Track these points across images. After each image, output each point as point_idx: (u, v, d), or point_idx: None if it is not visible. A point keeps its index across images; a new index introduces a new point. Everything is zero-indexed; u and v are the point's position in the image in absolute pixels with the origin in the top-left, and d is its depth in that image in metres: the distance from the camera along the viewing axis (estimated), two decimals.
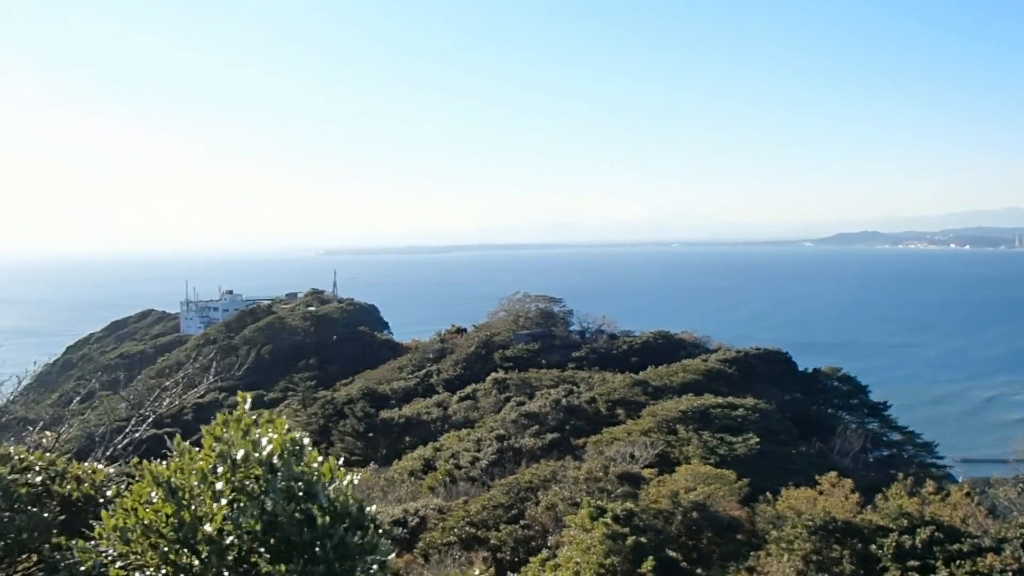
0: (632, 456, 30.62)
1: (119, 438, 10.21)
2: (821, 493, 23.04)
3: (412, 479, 35.44)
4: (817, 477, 24.64)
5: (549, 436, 38.46)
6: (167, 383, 11.68)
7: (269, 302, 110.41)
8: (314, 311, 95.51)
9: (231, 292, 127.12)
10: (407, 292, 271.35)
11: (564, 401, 43.31)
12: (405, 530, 25.05)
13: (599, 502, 20.52)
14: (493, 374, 53.58)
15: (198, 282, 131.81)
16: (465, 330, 72.29)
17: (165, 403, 11.17)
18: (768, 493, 24.48)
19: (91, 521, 6.59)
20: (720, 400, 39.53)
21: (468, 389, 52.54)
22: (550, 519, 23.46)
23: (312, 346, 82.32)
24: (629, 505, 20.39)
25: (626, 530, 18.62)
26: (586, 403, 44.25)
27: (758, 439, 34.16)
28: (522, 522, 24.05)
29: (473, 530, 23.98)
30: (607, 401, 44.57)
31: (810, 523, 18.42)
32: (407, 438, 46.72)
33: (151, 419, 10.68)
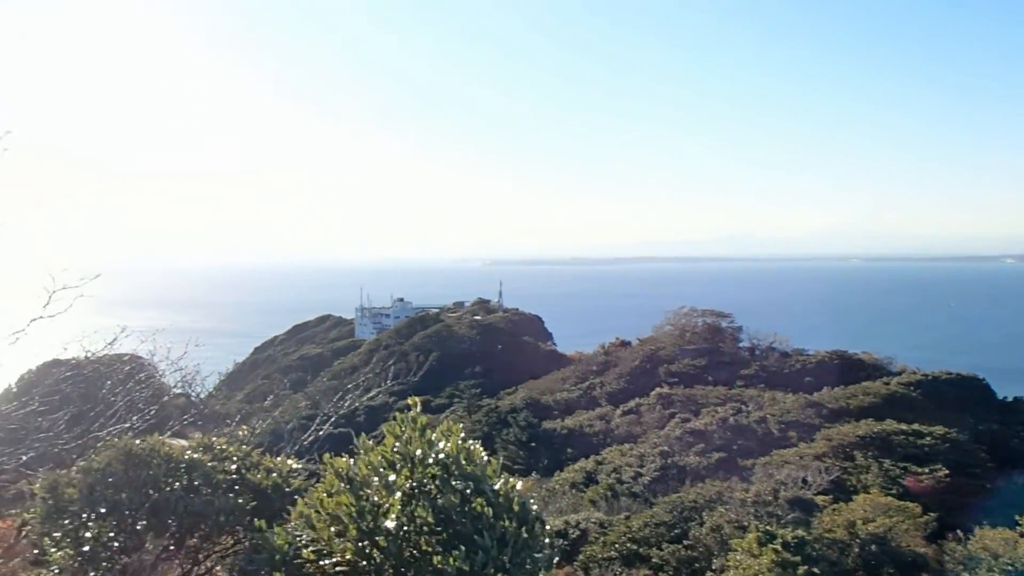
0: (804, 481, 29.39)
1: (305, 435, 10.73)
2: (1022, 535, 21.22)
3: (573, 491, 35.38)
4: (1017, 517, 22.71)
5: (715, 455, 37.59)
6: (349, 385, 12.21)
7: (437, 310, 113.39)
8: (480, 320, 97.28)
9: (402, 300, 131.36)
10: (572, 304, 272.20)
11: (732, 420, 42.25)
12: (566, 542, 24.99)
13: (768, 527, 19.78)
14: (657, 389, 52.94)
15: (372, 290, 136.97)
16: (629, 343, 71.72)
17: (345, 404, 11.68)
18: (959, 531, 22.77)
19: (285, 508, 6.93)
20: (904, 427, 37.28)
21: (631, 403, 52.10)
22: (715, 541, 22.80)
23: (477, 354, 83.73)
24: (801, 532, 19.55)
25: (797, 559, 17.84)
26: (755, 423, 42.93)
27: (947, 471, 32.01)
28: (685, 542, 23.50)
29: (635, 547, 23.63)
30: (778, 422, 43.06)
31: (1009, 567, 17.04)
32: (569, 449, 46.78)
33: (333, 419, 11.17)
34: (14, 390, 10.45)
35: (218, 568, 8.83)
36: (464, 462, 5.54)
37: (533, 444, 48.65)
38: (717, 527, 23.25)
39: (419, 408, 6.07)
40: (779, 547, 18.16)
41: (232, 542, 8.50)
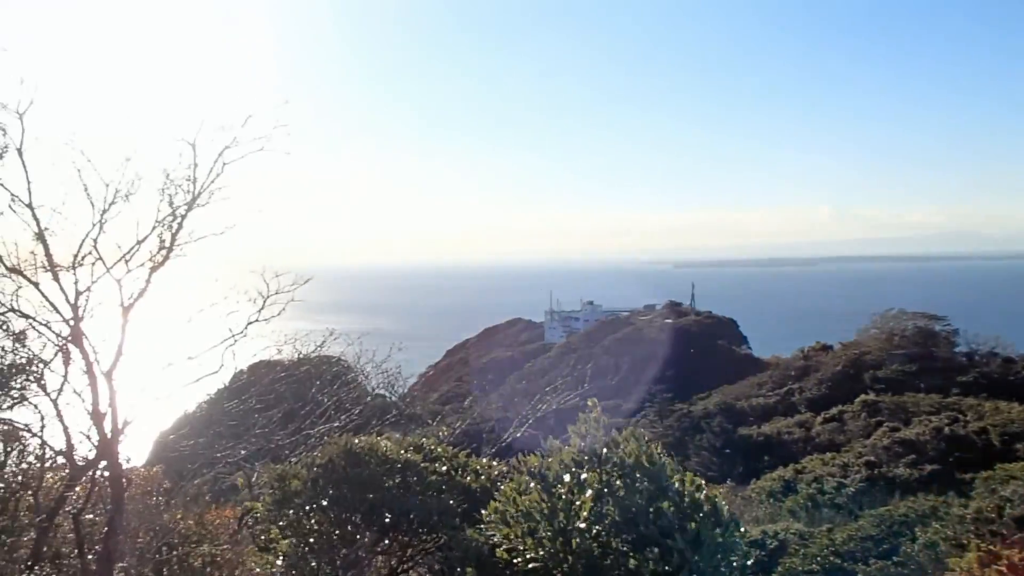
0: None
1: (504, 436, 11.08)
2: None
3: (770, 500, 34.33)
4: None
5: (928, 467, 35.50)
6: (546, 388, 12.48)
7: (627, 313, 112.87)
8: (671, 323, 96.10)
9: (591, 303, 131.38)
10: (767, 307, 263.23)
11: (947, 430, 39.74)
12: (763, 552, 24.32)
13: (991, 547, 18.45)
14: (863, 396, 50.59)
15: (561, 293, 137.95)
16: (831, 347, 68.77)
17: (542, 407, 11.93)
18: None
19: (483, 510, 7.20)
20: None
21: (834, 410, 50.13)
22: (929, 560, 21.48)
23: (669, 358, 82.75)
24: None
25: None
26: (974, 434, 40.15)
27: None
28: (895, 559, 22.26)
29: (838, 560, 22.65)
30: (1001, 433, 40.05)
31: None
32: (765, 457, 45.52)
33: (530, 421, 11.45)
34: (225, 389, 11.37)
35: (421, 565, 9.20)
36: (647, 463, 5.61)
37: (727, 451, 47.65)
38: (931, 544, 21.88)
39: (599, 409, 6.16)
40: (1004, 569, 16.93)
41: (439, 539, 8.81)
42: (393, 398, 15.95)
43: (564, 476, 5.80)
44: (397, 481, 8.39)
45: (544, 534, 5.65)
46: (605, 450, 5.73)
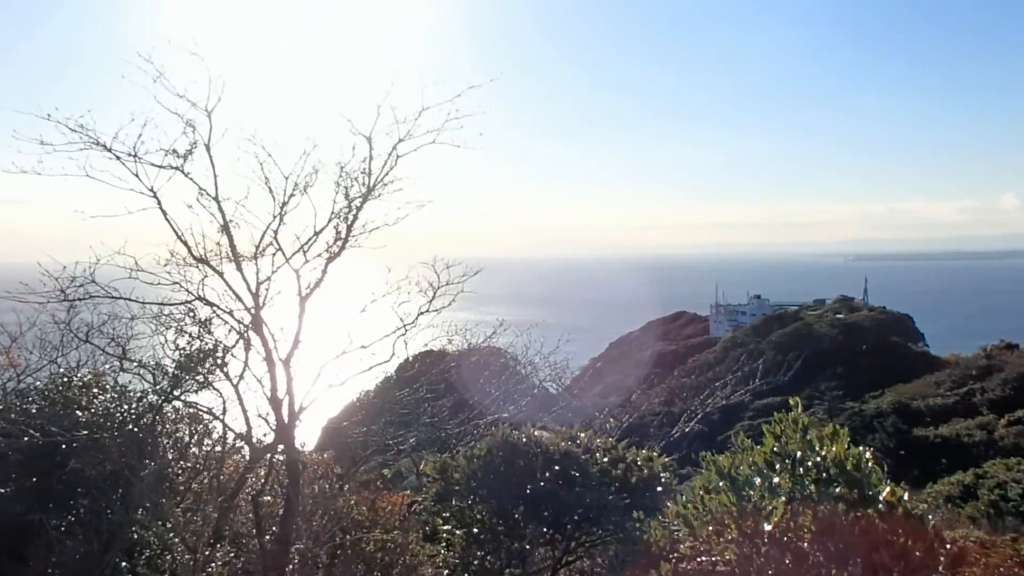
0: None
1: (673, 430, 10.69)
2: None
3: (948, 506, 32.06)
4: None
5: None
6: (716, 384, 12.02)
7: (796, 308, 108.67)
8: (842, 319, 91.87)
9: (758, 297, 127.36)
10: (946, 302, 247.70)
11: None
12: None
13: None
14: None
15: (727, 286, 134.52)
16: (1016, 346, 63.76)
17: (710, 402, 11.49)
18: None
19: (655, 503, 6.83)
20: None
21: (1019, 412, 46.44)
22: None
23: (839, 355, 79.08)
24: None
25: None
26: None
27: None
28: None
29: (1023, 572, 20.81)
30: None
31: None
32: (943, 460, 42.66)
33: (700, 415, 11.05)
34: (394, 379, 11.43)
35: (585, 558, 8.90)
36: (850, 468, 5.17)
37: (902, 452, 44.96)
38: None
39: (800, 408, 5.76)
40: None
41: (601, 533, 8.52)
42: (559, 390, 15.71)
43: (755, 479, 5.38)
44: (556, 472, 8.15)
45: (731, 537, 5.28)
46: (799, 453, 5.31)
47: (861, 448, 5.35)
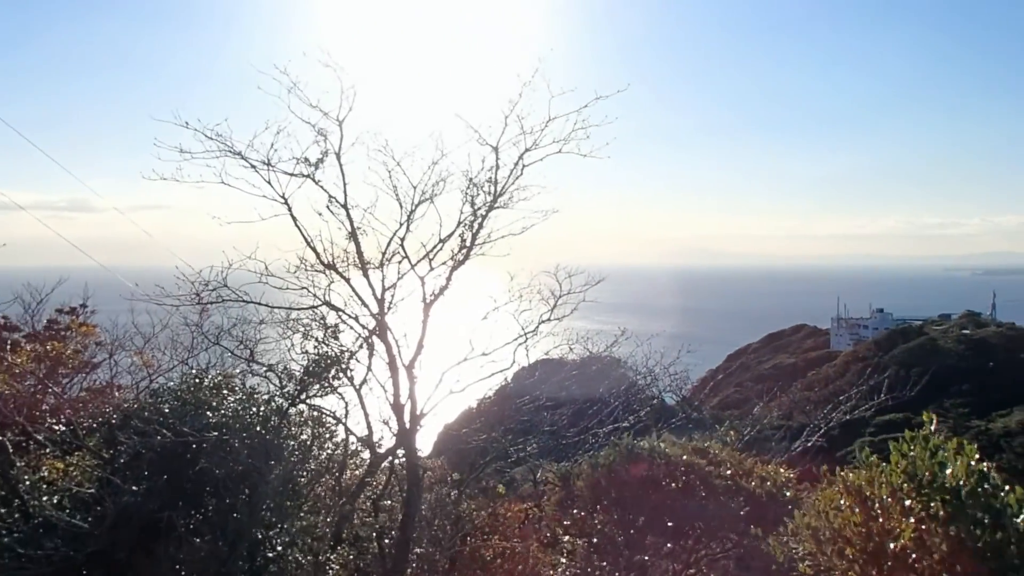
0: None
1: (795, 444, 10.11)
2: None
3: None
4: None
5: None
6: (840, 398, 11.30)
7: (920, 323, 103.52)
8: (969, 334, 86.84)
9: (881, 311, 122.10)
10: None
11: None
12: None
13: None
14: None
15: (849, 299, 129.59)
16: None
17: (834, 416, 10.78)
18: None
19: (779, 518, 6.32)
20: None
21: None
22: None
23: (965, 371, 74.70)
24: None
25: None
26: None
27: None
28: None
29: None
30: None
31: None
32: None
33: (823, 429, 10.41)
34: (511, 386, 11.12)
35: (710, 572, 8.47)
36: (981, 489, 4.67)
37: None
38: None
39: (934, 425, 5.24)
40: None
41: (722, 547, 8.09)
42: (677, 401, 15.10)
43: (885, 497, 4.95)
44: (681, 483, 7.71)
45: (856, 557, 4.95)
46: (927, 473, 4.81)
47: (986, 464, 4.79)
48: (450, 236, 9.53)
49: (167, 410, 7.52)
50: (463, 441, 10.38)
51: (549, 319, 10.35)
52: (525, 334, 10.07)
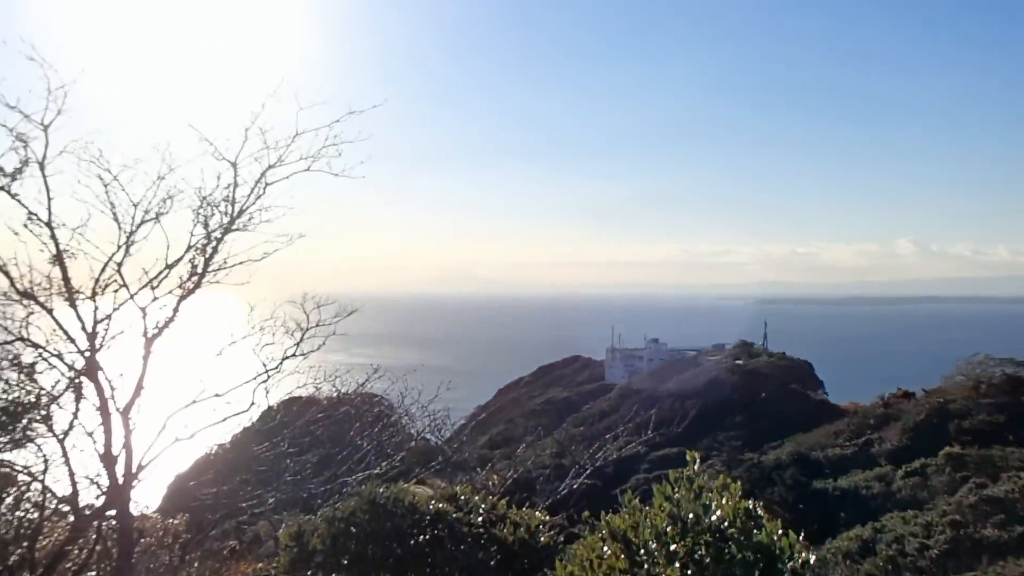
0: None
1: (561, 486, 10.56)
2: None
3: (847, 562, 32.98)
4: None
5: (1018, 529, 33.81)
6: (607, 436, 11.94)
7: (695, 353, 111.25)
8: (742, 364, 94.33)
9: (656, 341, 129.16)
10: (847, 349, 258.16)
11: None
12: None
13: None
14: (947, 448, 48.75)
15: (624, 328, 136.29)
16: (913, 395, 66.74)
17: (600, 455, 11.39)
18: None
19: (535, 566, 6.60)
20: None
21: (916, 463, 48.24)
22: None
23: (739, 403, 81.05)
24: None
25: None
26: None
27: None
28: None
29: None
30: None
31: None
32: (841, 514, 43.98)
33: (589, 470, 10.95)
34: (253, 431, 10.93)
35: None
36: (748, 530, 5.01)
37: (801, 506, 46.10)
38: None
39: (697, 464, 5.67)
40: None
41: None
42: (439, 442, 15.38)
43: (650, 542, 5.20)
44: (429, 535, 7.88)
45: None
46: (692, 516, 5.15)
47: (752, 502, 5.20)
48: (178, 261, 9.28)
49: None
50: (195, 496, 10.05)
51: (295, 354, 10.30)
52: (267, 371, 9.96)
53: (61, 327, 8.57)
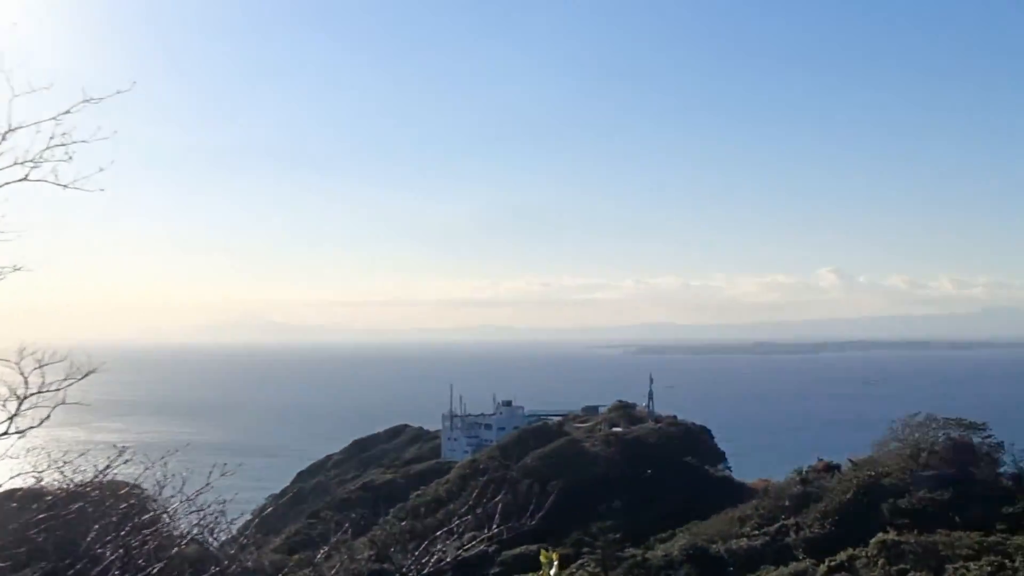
0: None
1: None
2: None
3: None
4: None
5: None
6: (438, 533, 12.06)
7: (560, 418, 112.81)
8: (621, 432, 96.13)
9: (509, 403, 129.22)
10: (753, 409, 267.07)
11: None
12: None
13: None
14: (880, 534, 51.40)
15: (466, 387, 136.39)
16: (838, 467, 69.89)
17: (432, 559, 11.49)
18: None
19: None
20: None
21: (842, 555, 50.71)
22: None
23: (617, 483, 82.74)
24: None
25: None
26: None
27: None
28: None
29: None
30: None
31: None
32: None
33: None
34: None
35: None
36: None
37: None
38: None
39: (555, 568, 5.98)
40: None
41: None
42: (213, 546, 15.29)
43: None
44: None
45: None
46: None
47: None
48: None
49: None
50: None
51: (6, 432, 10.17)
52: None
53: None
